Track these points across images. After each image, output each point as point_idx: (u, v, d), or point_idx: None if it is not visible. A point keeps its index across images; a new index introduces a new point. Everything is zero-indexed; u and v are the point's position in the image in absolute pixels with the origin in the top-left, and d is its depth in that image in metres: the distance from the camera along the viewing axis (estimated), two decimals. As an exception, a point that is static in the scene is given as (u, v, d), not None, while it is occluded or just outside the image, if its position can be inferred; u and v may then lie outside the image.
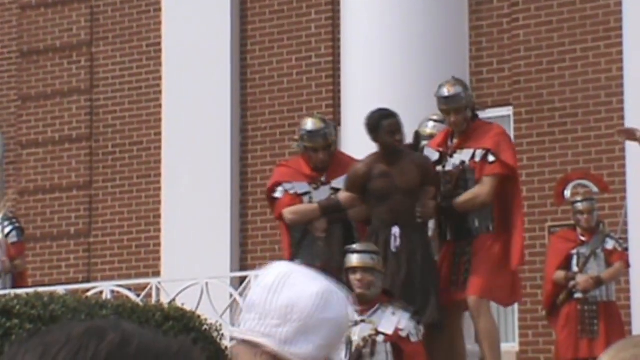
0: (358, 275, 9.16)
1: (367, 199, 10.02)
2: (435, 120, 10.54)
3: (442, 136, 10.32)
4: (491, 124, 10.55)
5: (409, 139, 10.16)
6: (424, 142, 10.41)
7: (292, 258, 10.36)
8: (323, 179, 10.45)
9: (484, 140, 10.11)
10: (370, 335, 9.08)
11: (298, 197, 10.41)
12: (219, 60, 15.91)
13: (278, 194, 10.47)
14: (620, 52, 13.80)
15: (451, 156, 10.16)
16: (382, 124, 9.92)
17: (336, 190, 10.34)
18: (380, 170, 9.93)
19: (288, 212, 10.37)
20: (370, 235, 9.93)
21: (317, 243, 10.33)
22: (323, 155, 10.43)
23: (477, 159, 10.06)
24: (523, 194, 14.19)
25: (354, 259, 9.27)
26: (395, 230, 9.77)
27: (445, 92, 10.18)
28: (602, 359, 1.45)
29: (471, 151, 10.10)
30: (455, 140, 10.21)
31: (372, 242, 9.73)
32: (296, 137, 10.79)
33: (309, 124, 10.81)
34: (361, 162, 10.16)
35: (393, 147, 9.94)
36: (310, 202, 10.39)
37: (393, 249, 9.70)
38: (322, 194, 10.41)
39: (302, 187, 10.45)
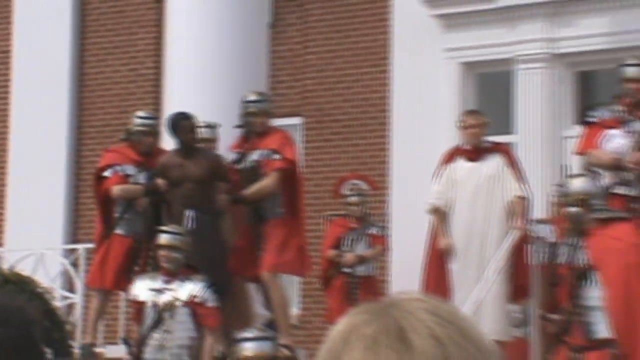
0: (164, 252, 9.23)
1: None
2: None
3: (240, 140, 10.49)
4: (277, 129, 10.75)
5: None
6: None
7: (112, 228, 10.42)
8: (148, 164, 10.49)
9: (271, 142, 10.32)
10: (171, 301, 9.13)
11: (125, 178, 10.48)
12: (61, 68, 15.76)
13: (108, 173, 10.52)
14: (387, 77, 14.05)
15: (246, 157, 10.33)
16: (180, 124, 10.04)
17: (157, 175, 10.39)
18: (176, 162, 10.03)
19: (117, 189, 10.44)
20: (171, 217, 9.98)
21: (136, 218, 10.42)
22: (152, 139, 10.52)
23: (265, 157, 10.24)
24: (309, 189, 14.49)
25: (162, 238, 9.32)
26: (190, 213, 9.86)
27: (253, 97, 10.41)
28: (342, 322, 1.38)
29: (261, 151, 10.30)
30: (250, 143, 10.39)
31: (173, 222, 9.77)
32: (130, 127, 10.83)
33: (143, 113, 11.00)
34: (166, 155, 10.29)
35: (189, 143, 10.06)
36: (135, 183, 10.47)
37: (187, 229, 9.74)
38: (145, 177, 10.47)
39: (129, 169, 10.52)
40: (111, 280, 10.32)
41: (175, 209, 10.01)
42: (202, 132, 10.61)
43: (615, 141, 8.96)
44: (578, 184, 8.21)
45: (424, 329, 1.30)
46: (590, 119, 9.29)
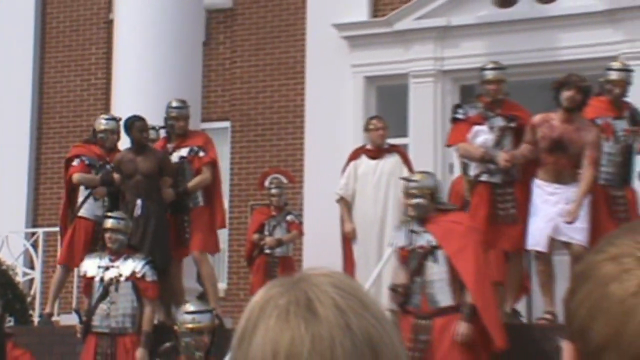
0: (108, 234, 9.16)
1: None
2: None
3: (163, 141, 10.44)
4: (199, 131, 10.73)
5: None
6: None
7: (77, 211, 10.34)
8: (107, 159, 10.39)
9: (196, 141, 10.27)
10: (115, 277, 9.06)
11: (88, 167, 10.37)
12: (25, 78, 15.60)
13: (75, 162, 10.43)
14: (303, 88, 14.05)
15: (171, 154, 10.24)
16: (134, 124, 9.99)
17: (112, 169, 10.27)
18: (128, 157, 9.96)
19: (77, 176, 10.32)
20: (124, 204, 9.90)
21: (95, 205, 10.34)
22: (115, 137, 10.46)
23: (192, 154, 10.19)
24: (236, 182, 14.51)
25: (108, 222, 9.25)
26: (139, 202, 9.79)
27: (175, 104, 10.32)
28: (259, 294, 1.33)
29: (187, 149, 10.25)
30: (174, 142, 10.32)
31: (125, 209, 9.71)
32: (96, 128, 10.71)
33: (107, 115, 10.93)
34: (120, 152, 10.26)
35: (140, 141, 9.99)
36: (96, 174, 10.36)
37: (136, 215, 9.71)
38: (104, 169, 10.35)
39: (92, 161, 10.42)
40: (77, 259, 10.14)
41: (128, 198, 9.93)
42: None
43: (481, 136, 9.05)
44: (424, 179, 8.26)
45: (328, 300, 1.28)
46: (458, 116, 9.29)
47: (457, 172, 12.84)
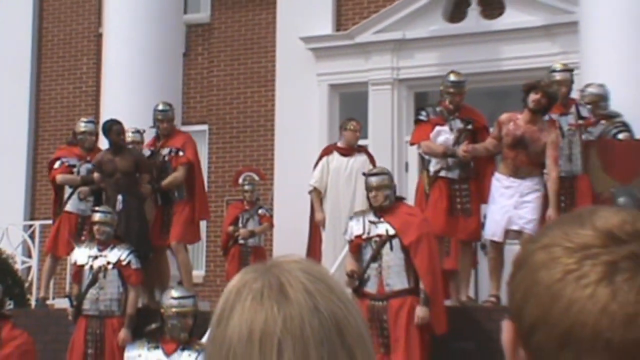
0: (97, 227, 9.12)
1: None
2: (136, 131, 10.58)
3: (152, 140, 10.38)
4: (181, 132, 10.63)
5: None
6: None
7: (62, 207, 10.29)
8: (88, 158, 10.33)
9: (176, 142, 10.25)
10: (104, 265, 9.04)
11: (69, 168, 10.32)
12: (23, 85, 15.55)
13: (57, 164, 10.38)
14: (273, 95, 14.04)
15: (158, 152, 10.23)
16: (112, 128, 9.93)
17: (93, 169, 10.18)
18: (108, 157, 9.91)
19: (59, 177, 10.28)
20: (107, 200, 9.86)
21: (80, 202, 10.30)
22: (93, 138, 10.39)
23: (172, 154, 10.15)
24: (213, 179, 14.47)
25: (96, 216, 9.21)
26: (120, 197, 9.74)
27: (160, 107, 10.29)
28: (235, 278, 1.32)
29: (168, 149, 10.22)
30: (161, 142, 10.31)
31: (108, 204, 9.65)
32: (76, 130, 10.66)
33: (85, 118, 10.93)
34: (100, 152, 10.19)
35: (118, 143, 9.92)
36: (78, 173, 10.31)
37: (118, 210, 9.65)
38: (84, 169, 10.30)
39: (73, 161, 10.37)
40: (62, 249, 10.20)
41: (109, 194, 9.88)
42: (132, 136, 10.46)
43: (443, 135, 9.08)
44: (383, 175, 8.27)
45: (298, 284, 1.27)
46: (421, 117, 9.29)
47: (412, 170, 12.91)
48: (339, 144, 10.49)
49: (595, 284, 1.10)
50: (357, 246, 8.08)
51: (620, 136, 9.09)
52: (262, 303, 1.26)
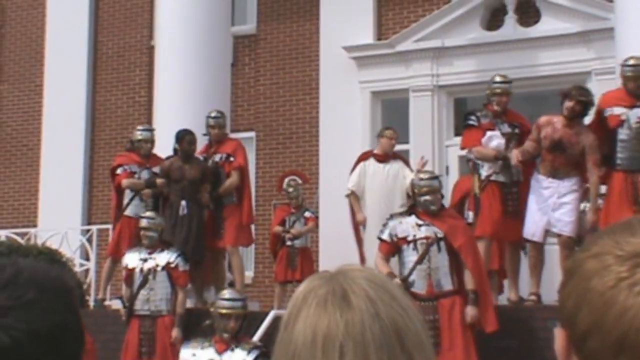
0: (142, 232, 9.23)
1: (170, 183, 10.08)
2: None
3: (205, 147, 10.42)
4: (233, 138, 10.69)
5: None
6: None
7: (122, 211, 10.39)
8: (147, 165, 10.44)
9: (228, 148, 10.29)
10: (153, 267, 9.14)
11: (131, 174, 10.42)
12: (80, 96, 15.69)
13: (119, 170, 10.48)
14: (317, 102, 14.04)
15: (211, 158, 10.27)
16: (184, 137, 10.02)
17: (154, 173, 10.33)
18: (177, 165, 10.01)
19: (125, 182, 10.39)
20: (170, 205, 9.95)
21: (140, 205, 10.37)
22: (149, 145, 10.48)
23: (223, 160, 10.21)
24: (261, 184, 14.50)
25: (142, 222, 9.34)
26: (183, 203, 9.84)
27: (212, 114, 10.34)
28: (302, 285, 1.35)
29: (220, 155, 10.27)
30: (213, 148, 10.36)
31: (170, 209, 9.77)
32: (133, 138, 10.76)
33: (142, 126, 11.08)
34: (167, 160, 10.27)
35: (188, 152, 10.03)
36: (139, 179, 10.41)
37: (181, 214, 9.75)
38: (146, 174, 10.40)
39: (134, 168, 10.47)
40: (123, 252, 10.23)
41: (172, 199, 9.96)
42: (142, 134, 10.58)
43: (495, 140, 8.97)
44: (434, 179, 8.14)
45: (361, 291, 1.30)
46: (470, 122, 9.15)
47: (453, 174, 12.86)
48: (376, 151, 10.53)
49: None
50: (395, 247, 8.01)
51: None
52: (325, 308, 1.29)
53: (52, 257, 11.14)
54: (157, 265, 9.09)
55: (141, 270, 9.11)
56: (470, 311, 7.75)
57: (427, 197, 7.92)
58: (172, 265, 9.10)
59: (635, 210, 7.96)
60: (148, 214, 9.47)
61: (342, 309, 1.28)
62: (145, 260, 9.13)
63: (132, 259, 9.23)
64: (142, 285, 9.05)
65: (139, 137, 10.62)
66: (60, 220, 14.18)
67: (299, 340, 1.28)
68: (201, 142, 10.41)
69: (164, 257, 9.13)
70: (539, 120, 8.73)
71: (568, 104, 8.44)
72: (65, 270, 10.98)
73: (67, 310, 1.31)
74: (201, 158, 10.31)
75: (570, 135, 8.45)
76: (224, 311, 7.34)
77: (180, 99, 11.53)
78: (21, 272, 1.30)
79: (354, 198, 10.37)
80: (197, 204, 9.90)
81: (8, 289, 1.27)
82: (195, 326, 8.43)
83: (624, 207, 8.06)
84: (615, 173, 8.36)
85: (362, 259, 10.07)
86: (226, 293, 7.66)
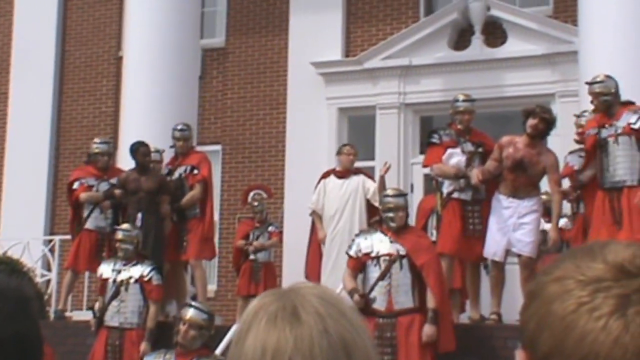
0: (118, 244, 9.17)
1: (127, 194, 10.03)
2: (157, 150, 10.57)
3: (171, 159, 10.39)
4: (198, 151, 10.66)
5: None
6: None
7: (81, 225, 10.32)
8: (105, 177, 10.39)
9: (192, 160, 10.28)
10: (126, 279, 9.08)
11: (88, 187, 10.37)
12: (45, 106, 15.61)
13: (76, 184, 10.42)
14: (285, 117, 14.01)
15: (175, 170, 10.25)
16: (139, 149, 9.99)
17: (112, 184, 10.26)
18: (133, 177, 9.97)
19: (83, 196, 10.32)
20: (128, 217, 9.90)
21: (99, 217, 10.32)
22: (106, 158, 10.43)
23: (187, 172, 10.18)
24: (226, 197, 14.47)
25: (118, 234, 9.27)
26: (139, 215, 9.79)
27: (178, 127, 10.33)
28: (254, 301, 1.38)
29: (184, 167, 10.25)
30: (178, 161, 10.34)
31: (128, 221, 9.70)
32: (90, 151, 10.72)
33: (98, 139, 10.94)
34: (125, 172, 10.23)
35: (143, 164, 10.00)
36: (97, 191, 10.38)
37: (138, 227, 9.64)
38: (104, 186, 10.35)
39: (91, 181, 10.42)
40: (82, 264, 10.25)
41: (129, 211, 9.91)
42: (152, 156, 10.53)
43: (455, 158, 9.01)
44: (399, 196, 8.16)
45: (311, 308, 1.32)
46: (433, 140, 9.18)
47: (418, 191, 12.91)
48: (337, 168, 10.54)
49: (608, 316, 1.10)
50: (361, 263, 8.02)
51: None
52: (275, 324, 1.31)
53: (13, 267, 11.03)
54: (131, 277, 9.05)
55: (114, 281, 9.05)
56: (428, 330, 7.74)
57: (390, 214, 7.95)
58: (146, 279, 9.06)
59: (614, 230, 7.97)
60: (124, 226, 9.40)
61: (292, 325, 1.30)
62: (119, 271, 9.08)
63: (106, 270, 9.18)
64: (114, 296, 9.00)
65: (96, 150, 10.59)
66: (22, 230, 14.07)
67: (248, 355, 1.30)
68: (168, 154, 10.40)
69: (137, 270, 9.09)
70: (501, 140, 8.78)
71: (532, 121, 8.48)
72: (24, 280, 10.88)
73: (27, 319, 1.32)
74: (165, 170, 10.29)
75: (532, 155, 8.51)
76: (188, 321, 7.27)
77: (147, 110, 11.49)
78: None
79: (316, 216, 10.51)
80: (154, 215, 9.83)
81: None
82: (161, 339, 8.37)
83: (603, 227, 8.08)
84: (599, 192, 8.32)
85: (315, 274, 10.14)
86: (195, 303, 7.57)
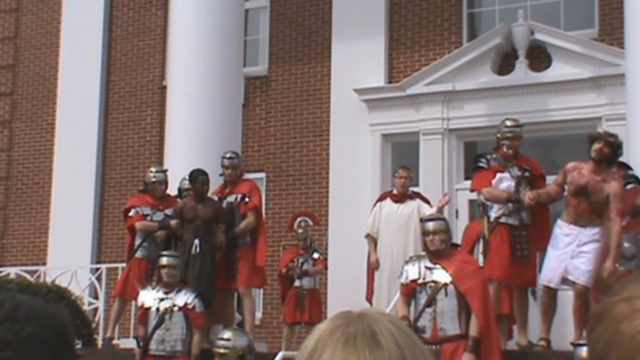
0: (165, 270, 9.18)
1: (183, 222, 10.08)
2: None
3: (220, 187, 10.42)
4: (248, 179, 10.69)
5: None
6: None
7: (133, 253, 10.42)
8: (160, 207, 10.47)
9: (243, 188, 10.29)
10: (170, 307, 9.11)
11: (144, 216, 10.45)
12: (91, 136, 15.74)
13: (132, 212, 10.51)
14: (328, 144, 14.07)
15: (225, 198, 10.29)
16: (198, 177, 10.03)
17: (167, 215, 10.35)
18: (191, 205, 10.02)
19: (139, 224, 10.41)
20: (183, 243, 9.94)
21: (152, 246, 10.39)
22: (163, 187, 10.50)
23: (239, 200, 10.22)
24: (270, 225, 14.49)
25: (163, 260, 9.29)
26: (196, 242, 9.84)
27: (227, 155, 10.34)
28: (326, 322, 1.37)
29: (234, 195, 10.28)
30: (228, 189, 10.39)
31: (184, 248, 9.76)
32: (146, 180, 10.80)
33: (155, 167, 10.99)
34: (182, 200, 10.29)
35: (201, 192, 10.04)
36: (151, 220, 10.45)
37: (193, 253, 9.74)
38: (159, 216, 10.45)
39: (146, 210, 10.50)
40: (131, 292, 10.29)
41: (186, 238, 9.94)
42: (156, 176, 10.57)
43: (505, 182, 8.95)
44: (439, 220, 8.14)
45: (388, 334, 1.32)
46: (481, 164, 9.15)
47: (462, 217, 12.85)
48: (394, 191, 10.56)
49: None
50: (411, 290, 8.01)
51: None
52: (355, 346, 1.30)
53: (61, 295, 11.13)
54: (174, 306, 9.07)
55: (157, 309, 9.07)
56: (466, 357, 7.69)
57: (430, 237, 7.94)
58: (190, 306, 9.08)
59: None
60: (170, 251, 9.44)
61: (371, 349, 1.30)
62: (161, 299, 9.09)
63: (147, 298, 9.18)
64: (158, 325, 9.01)
65: (153, 179, 10.64)
66: (69, 259, 14.20)
67: None
68: (216, 183, 10.40)
69: (181, 298, 9.11)
70: (566, 165, 8.69)
71: (597, 146, 8.36)
72: (61, 306, 10.96)
73: (64, 345, 1.33)
74: (215, 198, 10.31)
75: (596, 181, 8.36)
76: (221, 351, 7.29)
77: (191, 139, 11.55)
78: (20, 306, 1.32)
79: (370, 240, 10.51)
80: (209, 243, 9.89)
81: (7, 323, 1.30)
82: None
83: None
84: None
85: (368, 299, 10.11)
86: (224, 333, 7.58)
